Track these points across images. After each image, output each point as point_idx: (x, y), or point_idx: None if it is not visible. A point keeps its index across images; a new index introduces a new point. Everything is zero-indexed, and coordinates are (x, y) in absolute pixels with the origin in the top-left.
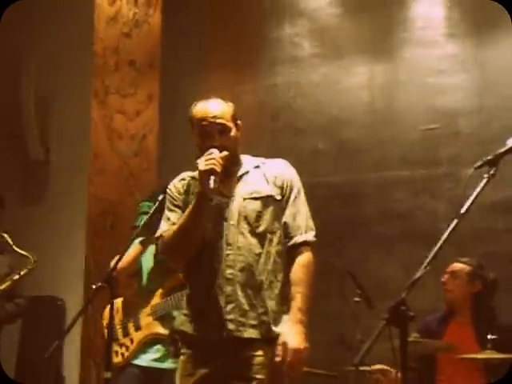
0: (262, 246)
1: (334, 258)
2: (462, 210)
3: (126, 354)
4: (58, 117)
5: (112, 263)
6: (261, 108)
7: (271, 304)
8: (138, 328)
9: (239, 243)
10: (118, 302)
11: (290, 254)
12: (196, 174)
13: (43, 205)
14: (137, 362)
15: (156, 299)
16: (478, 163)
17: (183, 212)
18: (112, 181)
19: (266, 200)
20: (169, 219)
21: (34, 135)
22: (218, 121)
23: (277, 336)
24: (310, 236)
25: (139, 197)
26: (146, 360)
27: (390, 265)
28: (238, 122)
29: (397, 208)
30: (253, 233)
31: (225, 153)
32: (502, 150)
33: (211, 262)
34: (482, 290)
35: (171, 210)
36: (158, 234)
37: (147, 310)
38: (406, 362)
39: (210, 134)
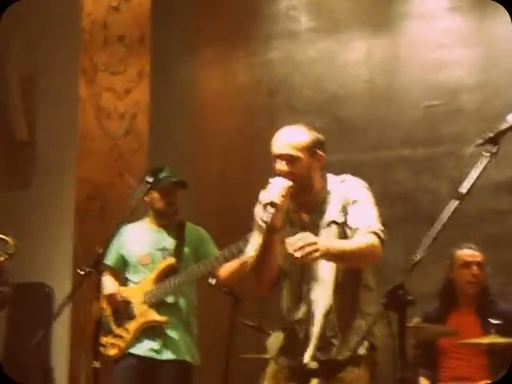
0: (332, 271)
1: None
2: (463, 190)
3: (123, 345)
4: (44, 96)
5: (100, 249)
6: (256, 85)
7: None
8: (132, 317)
9: (316, 273)
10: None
11: None
12: None
13: (29, 187)
14: (134, 350)
15: (148, 286)
16: (479, 141)
17: None
18: (101, 162)
19: (332, 224)
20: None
21: (19, 115)
22: (284, 151)
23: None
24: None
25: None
26: (143, 349)
27: (391, 247)
28: (318, 151)
29: (397, 188)
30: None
31: (288, 183)
32: (504, 127)
33: (295, 292)
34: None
35: (253, 237)
36: (245, 258)
37: (140, 297)
38: (405, 347)
39: (279, 162)
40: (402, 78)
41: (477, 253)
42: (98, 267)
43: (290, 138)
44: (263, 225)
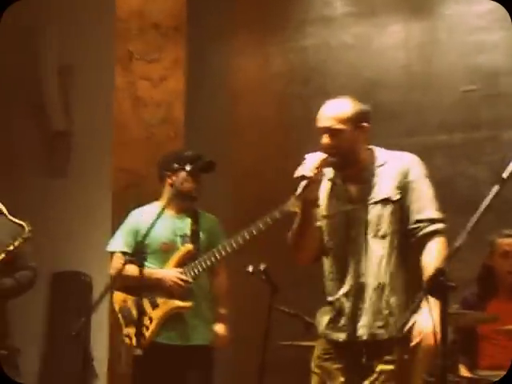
0: (384, 248)
1: None
2: (504, 175)
3: (147, 333)
4: (81, 85)
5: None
6: (290, 72)
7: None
8: (155, 306)
9: (365, 249)
10: None
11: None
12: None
13: (67, 177)
14: (161, 340)
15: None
16: None
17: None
18: (137, 151)
19: (386, 202)
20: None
21: (57, 105)
22: (326, 124)
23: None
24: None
25: None
26: (170, 338)
27: None
28: (363, 123)
29: (435, 174)
30: (375, 237)
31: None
32: None
33: (343, 266)
34: None
35: None
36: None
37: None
38: (447, 334)
39: (322, 135)
40: (440, 62)
41: None
42: (138, 256)
43: (332, 111)
44: (297, 198)
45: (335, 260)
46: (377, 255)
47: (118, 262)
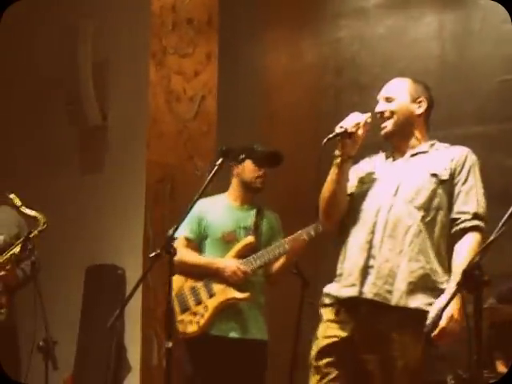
0: (415, 219)
1: None
2: None
3: (202, 321)
4: (116, 80)
5: (171, 231)
6: (324, 64)
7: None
8: (211, 295)
9: (392, 211)
10: None
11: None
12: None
13: (102, 172)
14: (216, 332)
15: None
16: None
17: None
18: (171, 145)
19: (433, 176)
20: None
21: (92, 100)
22: (385, 94)
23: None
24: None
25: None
26: (225, 330)
27: None
28: (421, 98)
29: None
30: (410, 203)
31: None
32: None
33: (365, 223)
34: None
35: None
36: None
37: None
38: (481, 329)
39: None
40: (475, 53)
41: None
42: (169, 249)
43: (392, 84)
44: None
45: (359, 222)
46: (404, 221)
47: (180, 246)
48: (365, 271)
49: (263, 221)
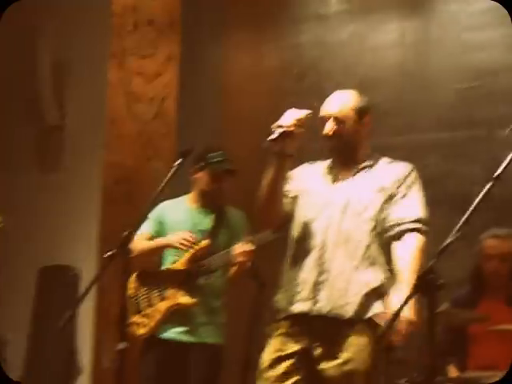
0: (364, 231)
1: None
2: (498, 173)
3: (151, 324)
4: (75, 80)
5: (127, 232)
6: (285, 69)
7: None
8: (163, 298)
9: (341, 225)
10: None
11: None
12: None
13: (59, 171)
14: (164, 335)
15: (182, 266)
16: None
17: None
18: (129, 146)
19: (380, 190)
20: None
21: (50, 99)
22: (329, 112)
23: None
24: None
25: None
26: (174, 332)
27: None
28: (365, 116)
29: (429, 172)
30: (358, 217)
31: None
32: None
33: (317, 243)
34: None
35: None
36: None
37: (173, 278)
38: (435, 333)
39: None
40: (435, 61)
41: (500, 243)
42: (124, 250)
43: (338, 100)
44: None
45: (308, 237)
46: (354, 235)
47: (136, 240)
48: (317, 287)
49: (224, 222)
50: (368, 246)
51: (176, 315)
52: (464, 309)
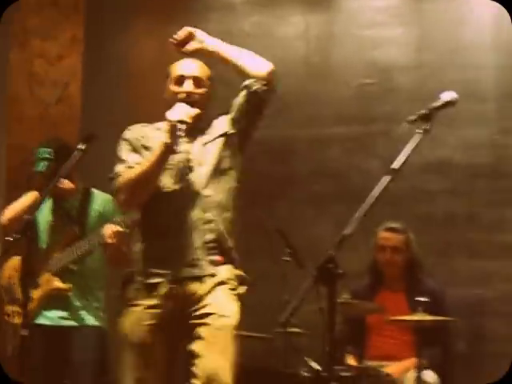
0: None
1: (264, 215)
2: (395, 166)
3: (28, 311)
4: None
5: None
6: (190, 56)
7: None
8: (36, 286)
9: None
10: (15, 260)
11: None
12: (154, 125)
13: None
14: (41, 321)
15: (52, 254)
16: (412, 117)
17: (139, 155)
18: (32, 129)
19: (222, 139)
20: (125, 161)
21: None
22: (193, 73)
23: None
24: None
25: None
26: (51, 318)
27: (322, 224)
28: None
29: (330, 166)
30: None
31: (196, 110)
32: (436, 104)
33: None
34: (414, 257)
35: (129, 153)
36: (113, 174)
37: (46, 266)
38: (334, 322)
39: (186, 82)
40: (338, 55)
41: (393, 235)
42: (27, 234)
43: (199, 65)
44: (174, 142)
45: (166, 201)
46: (204, 196)
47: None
48: (174, 254)
49: (91, 207)
50: (218, 202)
51: (54, 300)
52: (363, 300)
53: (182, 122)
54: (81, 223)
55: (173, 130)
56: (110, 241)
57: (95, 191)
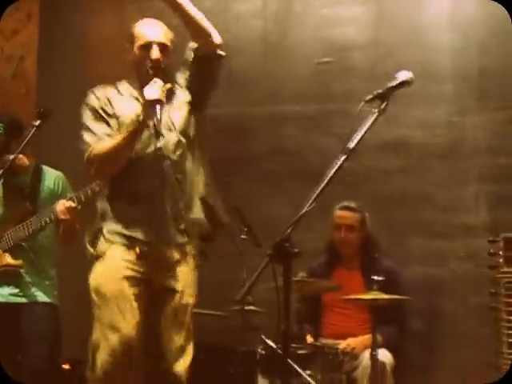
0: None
1: (221, 193)
2: (351, 145)
3: None
4: None
5: None
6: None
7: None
8: None
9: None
10: None
11: None
12: (117, 86)
13: None
14: None
15: (3, 231)
16: (369, 97)
17: (107, 124)
18: None
19: (184, 104)
20: (92, 131)
21: None
22: (160, 39)
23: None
24: None
25: None
26: (2, 295)
27: (278, 203)
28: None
29: (286, 144)
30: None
31: (169, 85)
32: (393, 83)
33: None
34: (369, 236)
35: (96, 122)
36: (85, 144)
37: None
38: (289, 300)
39: (153, 49)
40: (296, 33)
41: (349, 214)
42: None
43: (164, 30)
44: (145, 119)
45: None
46: (173, 158)
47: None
48: (144, 219)
49: (43, 183)
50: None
51: (5, 277)
52: (319, 278)
53: (159, 101)
54: (33, 199)
55: (150, 109)
56: (62, 216)
57: (46, 168)
